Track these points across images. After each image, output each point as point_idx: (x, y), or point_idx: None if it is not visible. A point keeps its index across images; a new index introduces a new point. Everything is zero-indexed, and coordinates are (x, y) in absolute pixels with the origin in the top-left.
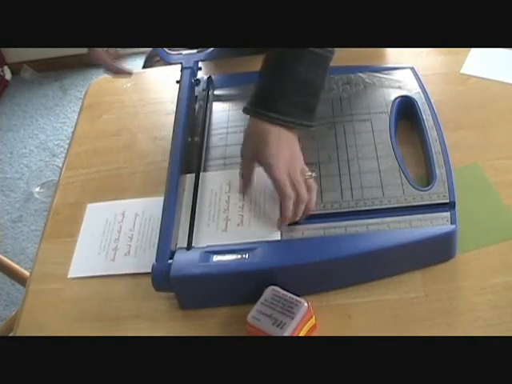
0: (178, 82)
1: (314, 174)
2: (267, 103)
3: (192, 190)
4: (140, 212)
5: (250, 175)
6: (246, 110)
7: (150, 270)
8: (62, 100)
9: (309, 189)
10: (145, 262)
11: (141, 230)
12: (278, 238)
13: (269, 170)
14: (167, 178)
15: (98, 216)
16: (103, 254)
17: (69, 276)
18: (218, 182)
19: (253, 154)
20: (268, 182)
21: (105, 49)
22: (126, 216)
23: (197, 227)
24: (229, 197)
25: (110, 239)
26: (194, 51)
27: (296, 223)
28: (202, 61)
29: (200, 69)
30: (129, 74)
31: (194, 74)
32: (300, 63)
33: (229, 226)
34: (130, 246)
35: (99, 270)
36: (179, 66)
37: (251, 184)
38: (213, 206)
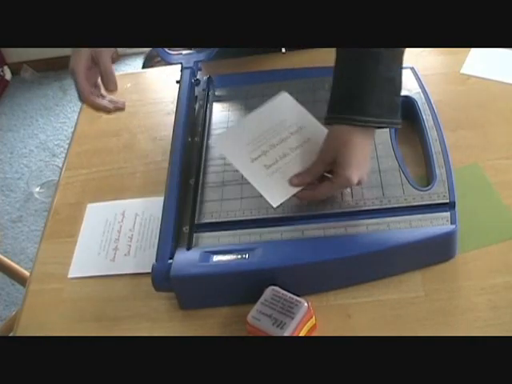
0: (177, 82)
1: None
2: (354, 107)
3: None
4: (140, 212)
5: (318, 176)
6: (330, 120)
7: (149, 270)
8: (62, 100)
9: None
10: (145, 262)
11: (141, 230)
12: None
13: (344, 170)
14: (167, 178)
15: (98, 216)
16: (103, 254)
17: (69, 276)
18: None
19: (333, 156)
20: None
21: (91, 68)
22: (125, 216)
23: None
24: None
25: (110, 239)
26: (194, 51)
27: (296, 223)
28: (202, 61)
29: (200, 69)
30: (110, 110)
31: (193, 74)
32: (380, 62)
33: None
34: (129, 246)
35: (99, 270)
36: (179, 66)
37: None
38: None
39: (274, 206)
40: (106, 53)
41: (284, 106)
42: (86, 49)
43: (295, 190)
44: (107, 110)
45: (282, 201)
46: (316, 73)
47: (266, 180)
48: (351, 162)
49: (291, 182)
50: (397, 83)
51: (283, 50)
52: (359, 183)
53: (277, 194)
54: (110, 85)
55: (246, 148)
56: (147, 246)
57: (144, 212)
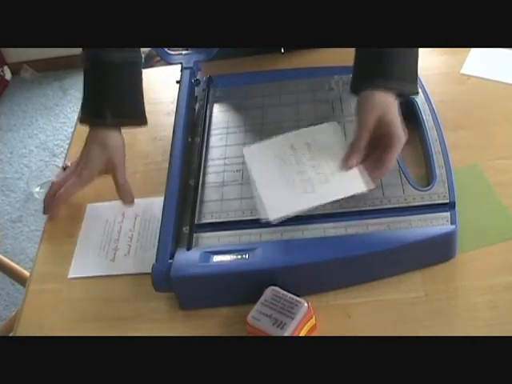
0: (178, 82)
1: None
2: (382, 73)
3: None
4: (140, 212)
5: (366, 146)
6: (362, 86)
7: (150, 271)
8: (62, 100)
9: None
10: (145, 262)
11: (141, 231)
12: (365, 188)
13: (396, 127)
14: (167, 179)
15: (98, 216)
16: (103, 254)
17: (69, 276)
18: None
19: (376, 120)
20: None
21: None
22: (126, 216)
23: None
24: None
25: (110, 239)
26: (194, 51)
27: (296, 223)
28: (202, 61)
29: (200, 69)
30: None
31: (193, 74)
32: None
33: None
34: (129, 246)
35: (99, 270)
36: (179, 66)
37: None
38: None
39: (271, 218)
40: (121, 167)
41: (329, 134)
42: (100, 159)
43: (297, 209)
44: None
45: (280, 215)
46: (316, 73)
47: (274, 193)
48: (397, 118)
49: (347, 166)
50: (415, 54)
51: (282, 50)
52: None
53: (277, 208)
54: (127, 197)
55: (272, 159)
56: (147, 247)
57: (144, 212)
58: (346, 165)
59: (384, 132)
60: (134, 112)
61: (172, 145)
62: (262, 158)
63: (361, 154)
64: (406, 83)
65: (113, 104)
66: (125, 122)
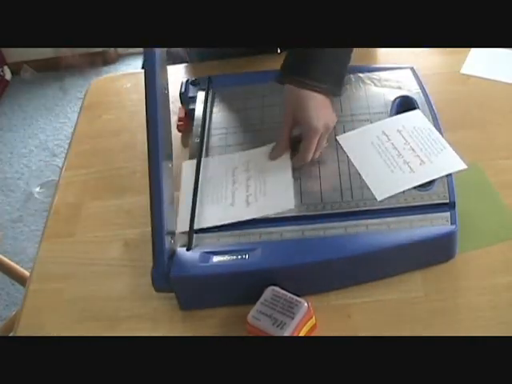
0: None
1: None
2: (302, 71)
3: (193, 177)
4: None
5: (289, 140)
6: (282, 80)
7: (268, 214)
8: (62, 100)
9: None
10: (265, 205)
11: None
12: (292, 206)
13: (306, 119)
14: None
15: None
16: (222, 203)
17: (178, 231)
18: (220, 167)
19: (294, 119)
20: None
21: None
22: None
23: (201, 208)
24: (233, 179)
25: (226, 188)
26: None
27: (296, 223)
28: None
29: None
30: None
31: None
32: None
33: (236, 201)
34: (248, 192)
35: (221, 219)
36: (180, 67)
37: (286, 150)
38: (218, 187)
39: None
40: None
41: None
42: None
43: (403, 188)
44: None
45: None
46: None
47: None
48: (309, 111)
49: (271, 157)
50: (344, 58)
51: (278, 50)
52: (327, 130)
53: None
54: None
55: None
56: (266, 191)
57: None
58: (270, 156)
59: (301, 125)
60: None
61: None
62: (358, 146)
63: (283, 147)
64: (325, 85)
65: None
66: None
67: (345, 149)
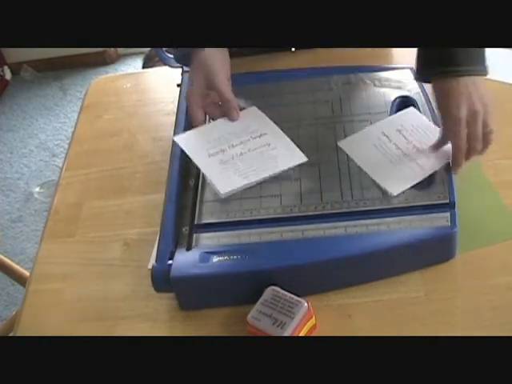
0: (178, 85)
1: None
2: (445, 62)
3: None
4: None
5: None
6: (428, 77)
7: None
8: (62, 100)
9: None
10: (277, 163)
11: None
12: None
13: (448, 116)
14: (167, 179)
15: (199, 140)
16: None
17: (223, 192)
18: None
19: (467, 109)
20: None
21: None
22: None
23: (221, 174)
24: (232, 144)
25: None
26: None
27: (296, 223)
28: None
29: None
30: None
31: None
32: None
33: (246, 165)
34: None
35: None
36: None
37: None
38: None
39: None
40: (220, 78)
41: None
42: (202, 75)
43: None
44: None
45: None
46: (315, 73)
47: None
48: (449, 99)
49: (455, 171)
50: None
51: (292, 49)
52: (474, 115)
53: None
54: (232, 113)
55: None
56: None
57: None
58: (455, 170)
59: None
60: None
61: (172, 145)
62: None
63: (462, 150)
64: (470, 67)
65: None
66: None
67: (347, 153)
